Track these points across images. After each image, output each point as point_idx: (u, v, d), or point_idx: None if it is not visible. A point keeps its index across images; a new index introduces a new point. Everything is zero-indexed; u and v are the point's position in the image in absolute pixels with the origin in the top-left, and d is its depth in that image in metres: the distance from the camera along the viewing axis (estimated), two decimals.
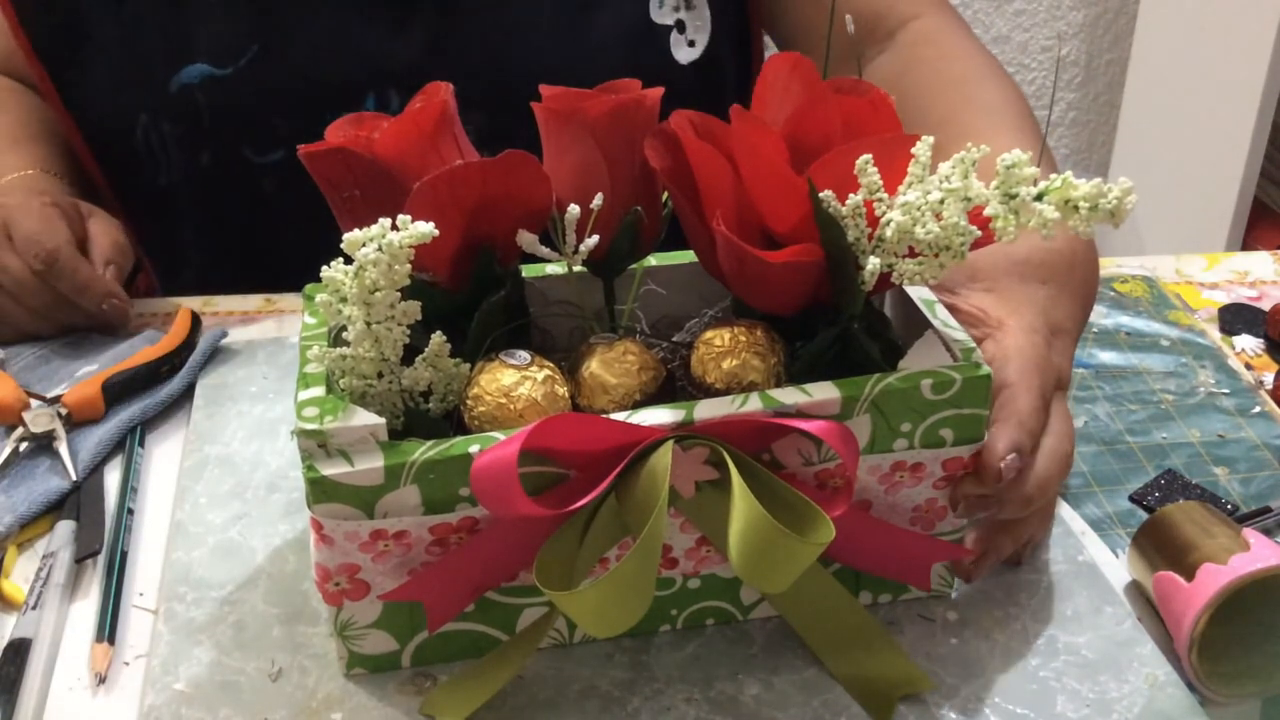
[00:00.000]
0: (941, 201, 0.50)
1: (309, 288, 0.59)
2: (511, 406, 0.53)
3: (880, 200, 0.51)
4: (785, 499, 0.51)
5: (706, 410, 0.52)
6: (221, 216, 0.91)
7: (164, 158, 0.89)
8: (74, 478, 0.69)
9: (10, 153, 0.89)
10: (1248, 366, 0.83)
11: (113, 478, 0.71)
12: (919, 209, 0.50)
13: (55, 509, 0.68)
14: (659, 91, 0.58)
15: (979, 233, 0.50)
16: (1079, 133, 2.44)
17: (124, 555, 0.65)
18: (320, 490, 0.50)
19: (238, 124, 0.86)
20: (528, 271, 0.63)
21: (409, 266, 0.51)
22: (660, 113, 0.58)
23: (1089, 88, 2.40)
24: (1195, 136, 2.07)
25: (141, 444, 0.73)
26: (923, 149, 0.51)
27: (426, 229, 0.50)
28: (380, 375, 0.54)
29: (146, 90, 0.87)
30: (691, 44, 0.91)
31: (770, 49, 1.01)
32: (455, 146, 0.58)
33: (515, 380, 0.53)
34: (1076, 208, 0.47)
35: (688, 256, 0.64)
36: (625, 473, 0.51)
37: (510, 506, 0.49)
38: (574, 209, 0.57)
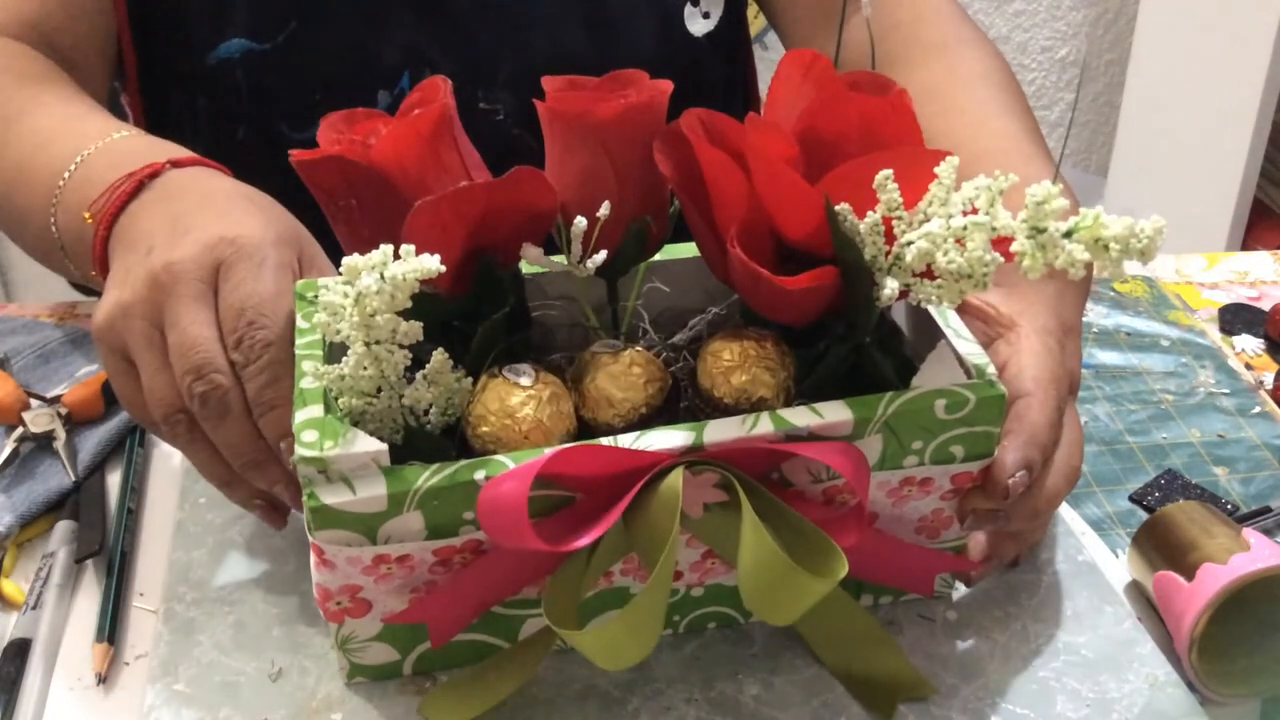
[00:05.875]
0: (964, 229, 0.48)
1: (301, 285, 0.58)
2: (516, 428, 0.52)
3: (900, 218, 0.50)
4: (796, 527, 0.50)
5: (716, 433, 0.51)
6: None
7: (192, 132, 0.87)
8: (74, 478, 0.69)
9: (101, 114, 0.74)
10: (1248, 366, 0.83)
11: (113, 478, 0.71)
12: (942, 238, 0.48)
13: (55, 509, 0.68)
14: (667, 88, 0.56)
15: (1003, 260, 0.48)
16: (1079, 133, 2.44)
17: (124, 555, 0.65)
18: (321, 518, 0.50)
19: (275, 99, 0.84)
20: (528, 268, 0.62)
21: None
22: (678, 88, 0.56)
23: (1089, 88, 2.40)
24: (1195, 136, 2.07)
25: (141, 444, 0.73)
26: (946, 170, 0.49)
27: (431, 264, 0.49)
28: (380, 390, 0.52)
29: (183, 64, 0.85)
30: (706, 15, 0.90)
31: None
32: (455, 150, 0.57)
33: (519, 401, 0.53)
34: (1107, 247, 0.45)
35: (690, 250, 0.63)
36: (634, 495, 0.51)
37: (519, 541, 0.48)
38: (580, 222, 0.55)
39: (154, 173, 0.63)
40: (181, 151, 0.66)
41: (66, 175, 0.67)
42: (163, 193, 0.62)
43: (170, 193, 0.62)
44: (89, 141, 0.68)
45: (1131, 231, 0.45)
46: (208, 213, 0.60)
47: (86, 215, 0.64)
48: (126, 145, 0.67)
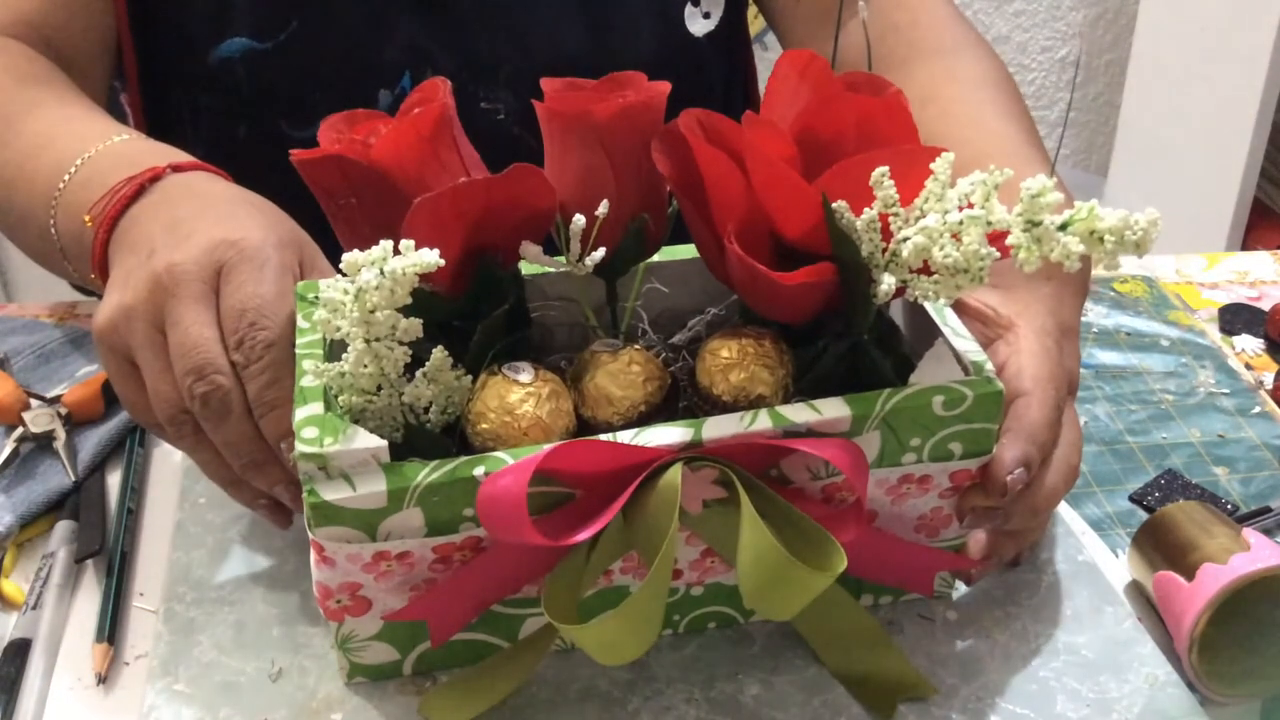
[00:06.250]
0: (960, 224, 0.48)
1: (301, 286, 0.58)
2: (515, 425, 0.52)
3: (896, 215, 0.50)
4: (796, 524, 0.50)
5: (715, 429, 0.51)
6: (253, 190, 0.86)
7: (192, 131, 0.87)
8: (74, 478, 0.69)
9: (101, 117, 0.74)
10: (1248, 366, 0.83)
11: (113, 478, 0.71)
12: (939, 233, 0.49)
13: (55, 509, 0.68)
14: (665, 88, 0.56)
15: (999, 256, 0.49)
16: (1079, 133, 2.44)
17: (124, 555, 0.65)
18: (321, 515, 0.50)
19: (276, 98, 0.84)
20: (527, 269, 0.62)
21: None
22: (678, 88, 0.56)
23: (1089, 88, 2.40)
24: (1195, 136, 2.07)
25: (141, 444, 0.73)
26: (942, 166, 0.49)
27: (431, 258, 0.49)
28: (379, 389, 0.52)
29: (184, 63, 0.84)
30: (707, 15, 0.90)
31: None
32: (455, 150, 0.57)
33: (519, 398, 0.53)
34: (1102, 239, 0.46)
35: (690, 251, 0.63)
36: (633, 492, 0.51)
37: (519, 536, 0.48)
38: (579, 220, 0.56)
39: (154, 176, 0.63)
40: (182, 155, 0.66)
41: (66, 178, 0.67)
42: (163, 196, 0.62)
43: (171, 196, 0.62)
44: (89, 144, 0.68)
45: (1126, 224, 0.45)
46: (209, 216, 0.60)
47: (86, 218, 0.64)
48: (126, 148, 0.67)
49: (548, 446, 0.49)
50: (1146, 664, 0.59)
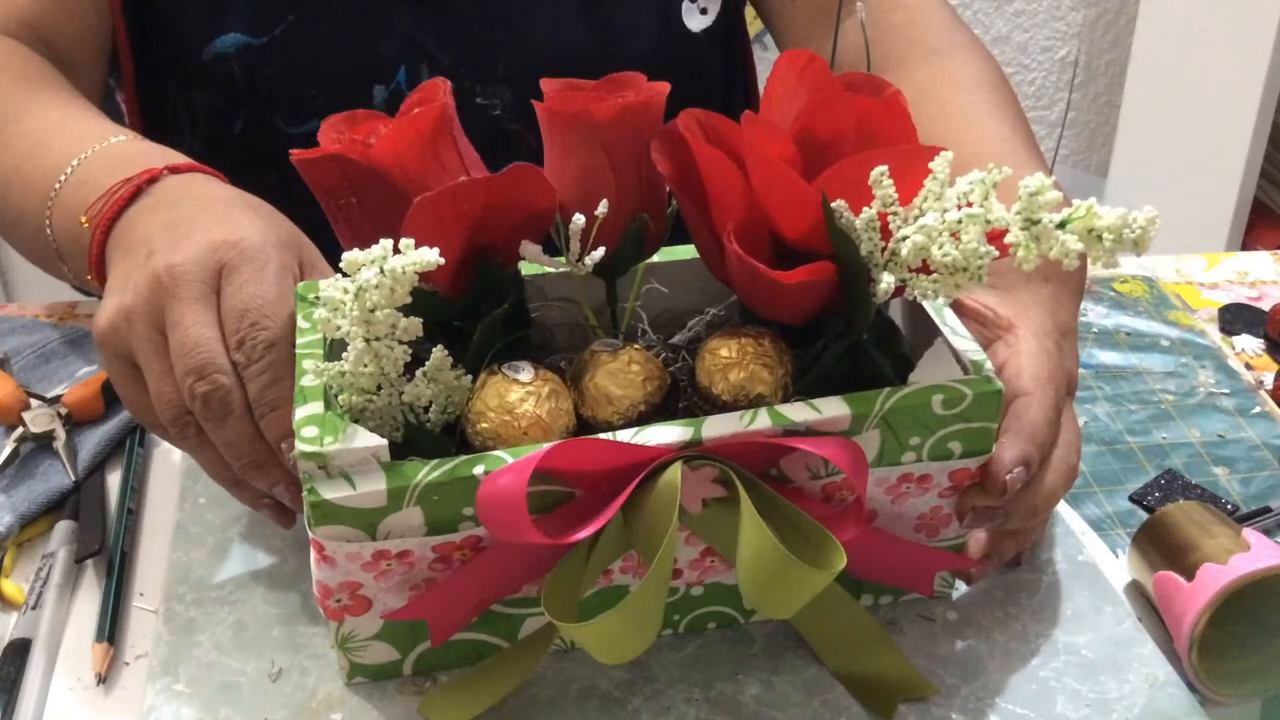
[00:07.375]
0: (959, 222, 0.48)
1: (302, 287, 0.58)
2: (515, 424, 0.52)
3: (895, 214, 0.50)
4: (795, 522, 0.50)
5: (715, 428, 0.51)
6: (248, 186, 0.87)
7: (189, 127, 0.87)
8: (74, 478, 0.69)
9: (98, 117, 0.74)
10: (1248, 366, 0.83)
11: (113, 478, 0.71)
12: (938, 232, 0.49)
13: (55, 509, 0.68)
14: (665, 89, 0.56)
15: (997, 254, 0.49)
16: (1079, 133, 2.44)
17: (124, 555, 0.65)
18: (321, 513, 0.50)
19: (271, 94, 0.84)
20: (527, 269, 0.62)
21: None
22: (677, 84, 0.56)
23: (1089, 88, 2.40)
24: (1195, 136, 2.07)
25: (141, 444, 0.73)
26: (941, 165, 0.49)
27: (431, 256, 0.49)
28: (379, 388, 0.53)
29: (179, 60, 0.84)
30: (704, 11, 0.90)
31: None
32: (455, 150, 0.57)
33: (519, 397, 0.53)
34: (1100, 237, 0.46)
35: (689, 252, 0.63)
36: (633, 491, 0.51)
37: (518, 535, 0.48)
38: (579, 219, 0.56)
39: (151, 178, 0.63)
40: (178, 157, 0.66)
41: (62, 178, 0.67)
42: (160, 198, 0.62)
43: (168, 198, 0.62)
44: (85, 145, 0.68)
45: (1124, 221, 0.45)
46: (207, 217, 0.60)
47: (83, 219, 0.63)
48: (123, 149, 0.67)
49: (547, 445, 0.49)
50: (1146, 664, 0.59)
